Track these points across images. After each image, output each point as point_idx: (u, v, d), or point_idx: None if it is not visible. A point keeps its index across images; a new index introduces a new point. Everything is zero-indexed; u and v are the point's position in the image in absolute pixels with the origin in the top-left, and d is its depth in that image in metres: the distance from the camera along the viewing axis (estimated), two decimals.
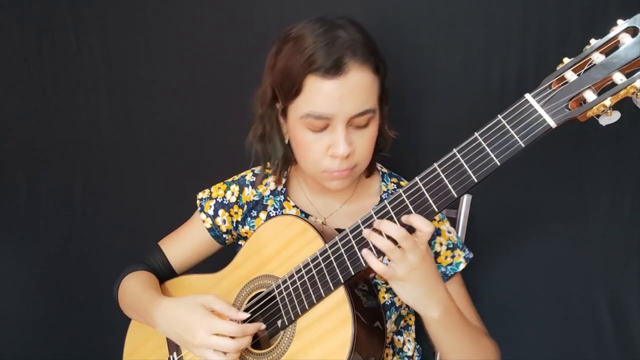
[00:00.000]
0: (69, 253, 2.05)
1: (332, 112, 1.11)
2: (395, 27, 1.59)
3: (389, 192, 1.33)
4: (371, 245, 1.03)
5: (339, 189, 1.23)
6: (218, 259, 1.42)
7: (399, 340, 1.35)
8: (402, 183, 1.36)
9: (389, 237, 1.00)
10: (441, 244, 1.29)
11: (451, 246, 1.29)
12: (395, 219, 1.02)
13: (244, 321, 1.18)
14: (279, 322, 1.18)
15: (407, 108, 1.63)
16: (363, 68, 1.11)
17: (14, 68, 1.98)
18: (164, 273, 1.45)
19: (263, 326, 1.19)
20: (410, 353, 1.36)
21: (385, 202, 1.04)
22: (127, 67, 1.89)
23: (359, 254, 1.06)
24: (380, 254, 1.03)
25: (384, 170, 1.38)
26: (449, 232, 1.31)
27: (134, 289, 1.37)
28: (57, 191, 2.03)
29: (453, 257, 1.28)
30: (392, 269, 1.01)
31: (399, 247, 1.00)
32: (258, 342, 1.23)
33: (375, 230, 1.02)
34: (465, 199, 1.50)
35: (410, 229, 1.00)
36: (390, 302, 1.26)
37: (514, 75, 1.52)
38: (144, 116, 1.91)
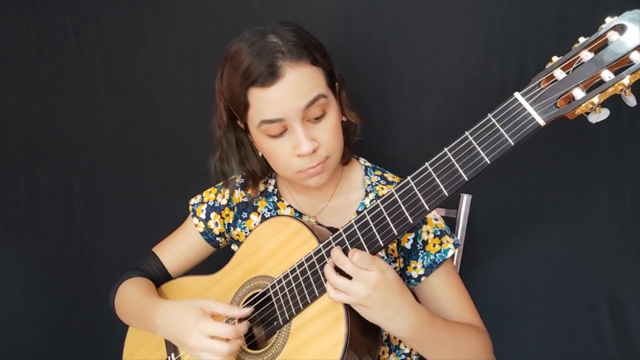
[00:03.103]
0: (68, 253, 2.06)
1: (282, 114, 1.13)
2: (395, 27, 1.59)
3: (373, 184, 1.32)
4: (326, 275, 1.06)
5: (320, 184, 1.23)
6: (215, 260, 1.42)
7: (394, 337, 1.34)
8: (386, 175, 1.35)
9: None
10: (428, 232, 1.28)
11: (439, 233, 1.28)
12: (388, 219, 1.03)
13: (247, 317, 1.20)
14: (275, 322, 1.18)
15: (407, 107, 1.63)
16: (298, 65, 1.12)
17: (14, 68, 1.99)
18: (160, 279, 1.45)
19: (247, 326, 1.20)
20: (407, 350, 1.35)
21: (378, 201, 1.04)
22: (127, 67, 1.89)
23: None
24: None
25: (367, 163, 1.38)
26: (436, 220, 1.30)
27: (133, 295, 1.37)
28: (57, 191, 2.04)
29: (441, 244, 1.27)
30: (346, 297, 1.03)
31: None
32: (254, 342, 1.23)
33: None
34: (465, 199, 1.50)
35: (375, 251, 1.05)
36: None
37: (513, 75, 1.52)
38: (143, 116, 1.91)
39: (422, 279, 1.25)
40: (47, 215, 2.06)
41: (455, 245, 1.28)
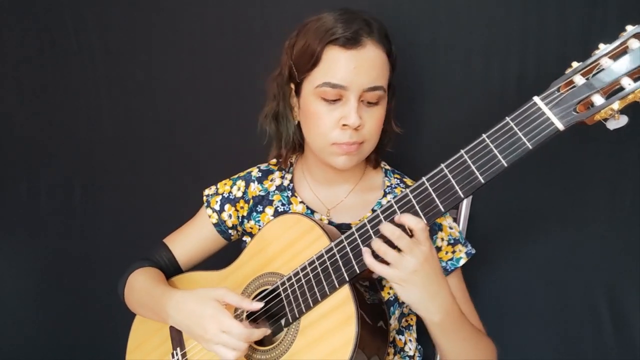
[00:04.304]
0: (69, 253, 2.05)
1: (347, 82, 1.16)
2: (396, 27, 1.59)
3: (392, 186, 1.34)
4: (373, 247, 1.04)
5: (346, 166, 1.25)
6: (224, 256, 1.42)
7: (400, 339, 1.35)
8: (405, 180, 1.38)
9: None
10: (442, 239, 1.29)
11: (452, 241, 1.29)
12: None
13: (259, 310, 1.19)
14: (283, 320, 1.19)
15: (408, 108, 1.63)
16: (378, 46, 1.18)
17: (14, 68, 1.97)
18: (170, 270, 1.45)
19: (269, 332, 1.19)
20: (411, 353, 1.36)
21: (392, 201, 1.05)
22: (127, 67, 1.89)
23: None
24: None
25: (387, 167, 1.40)
26: (451, 228, 1.31)
27: (143, 284, 1.36)
28: (57, 191, 2.03)
29: (454, 252, 1.29)
30: (391, 271, 1.01)
31: (397, 248, 1.01)
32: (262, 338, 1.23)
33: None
34: (465, 200, 1.49)
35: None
36: (394, 297, 1.27)
37: (514, 75, 1.53)
38: (144, 116, 1.91)
39: None
40: (47, 214, 2.05)
41: (468, 254, 1.30)
